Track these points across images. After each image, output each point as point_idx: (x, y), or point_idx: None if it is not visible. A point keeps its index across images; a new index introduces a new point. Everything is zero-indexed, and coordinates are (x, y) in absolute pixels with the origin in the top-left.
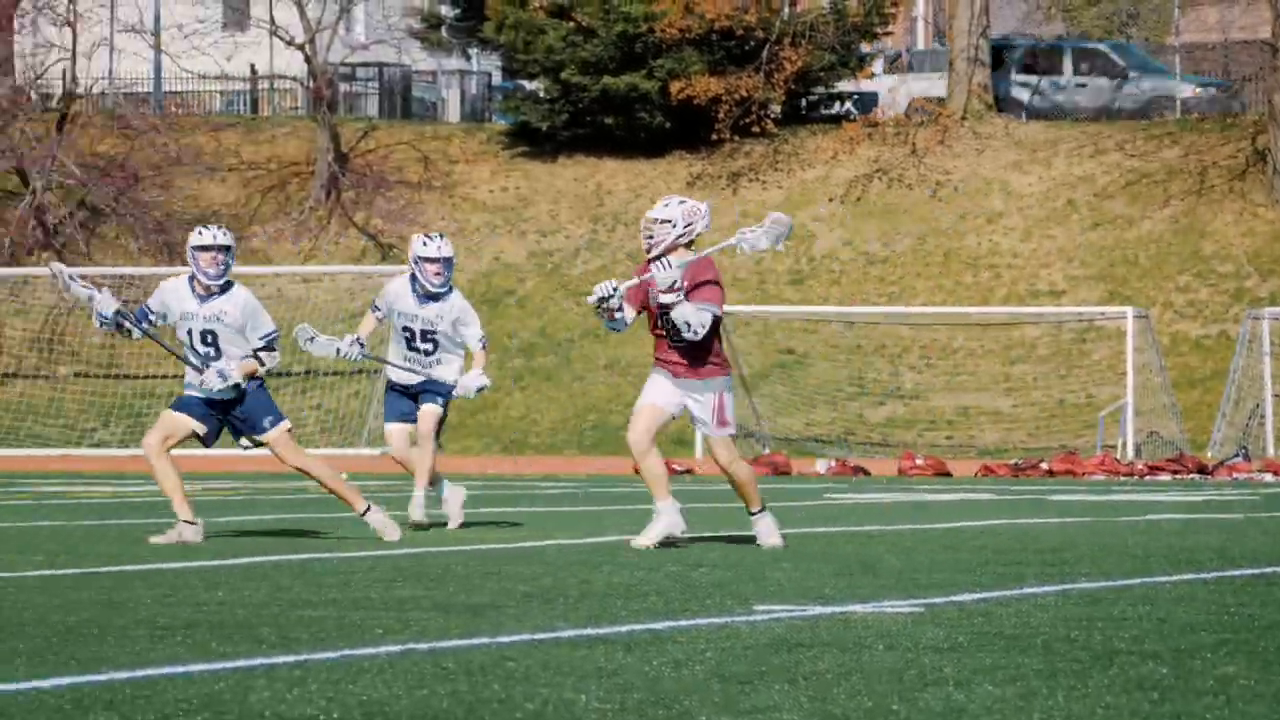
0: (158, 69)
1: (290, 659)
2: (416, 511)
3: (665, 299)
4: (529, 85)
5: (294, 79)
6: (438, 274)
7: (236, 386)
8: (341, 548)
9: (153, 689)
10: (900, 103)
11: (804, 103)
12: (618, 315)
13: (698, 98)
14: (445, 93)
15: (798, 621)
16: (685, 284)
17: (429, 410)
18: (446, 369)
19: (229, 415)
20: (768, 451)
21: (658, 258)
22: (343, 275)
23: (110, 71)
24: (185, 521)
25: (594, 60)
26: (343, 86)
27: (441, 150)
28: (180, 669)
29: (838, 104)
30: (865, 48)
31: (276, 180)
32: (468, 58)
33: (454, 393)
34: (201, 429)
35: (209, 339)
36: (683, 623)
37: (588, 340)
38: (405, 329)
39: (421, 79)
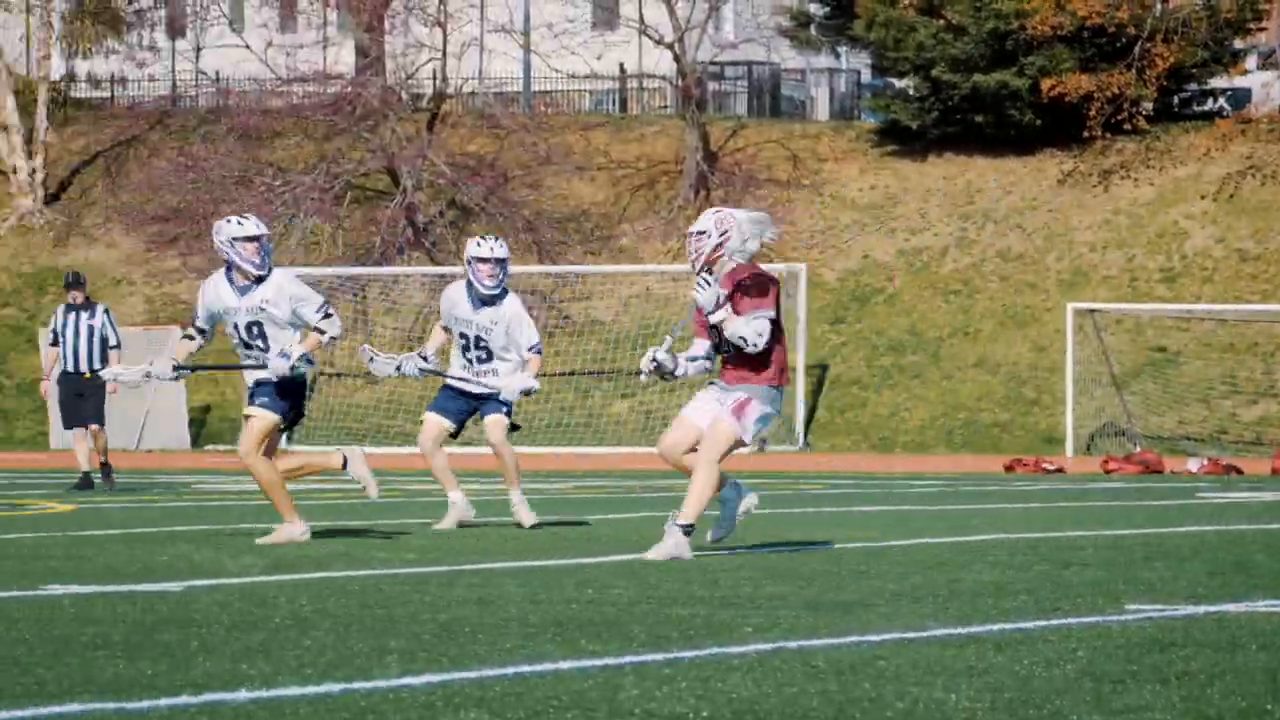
0: (527, 68)
1: (659, 657)
2: (524, 514)
3: (715, 318)
4: (898, 83)
5: (663, 78)
6: (491, 275)
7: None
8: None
9: (523, 686)
10: (1274, 98)
11: (1176, 99)
12: (682, 368)
13: (1069, 95)
14: (814, 91)
15: (1170, 621)
16: (725, 293)
17: (495, 421)
18: (502, 377)
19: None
20: (1139, 449)
21: (700, 270)
22: None
23: (480, 71)
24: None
25: (964, 58)
26: (711, 85)
27: (810, 148)
28: (550, 666)
29: (1210, 100)
30: (1238, 43)
31: (645, 179)
32: (837, 56)
33: (500, 395)
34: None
35: (254, 330)
36: (1054, 621)
37: (957, 338)
38: (461, 335)
39: (790, 77)
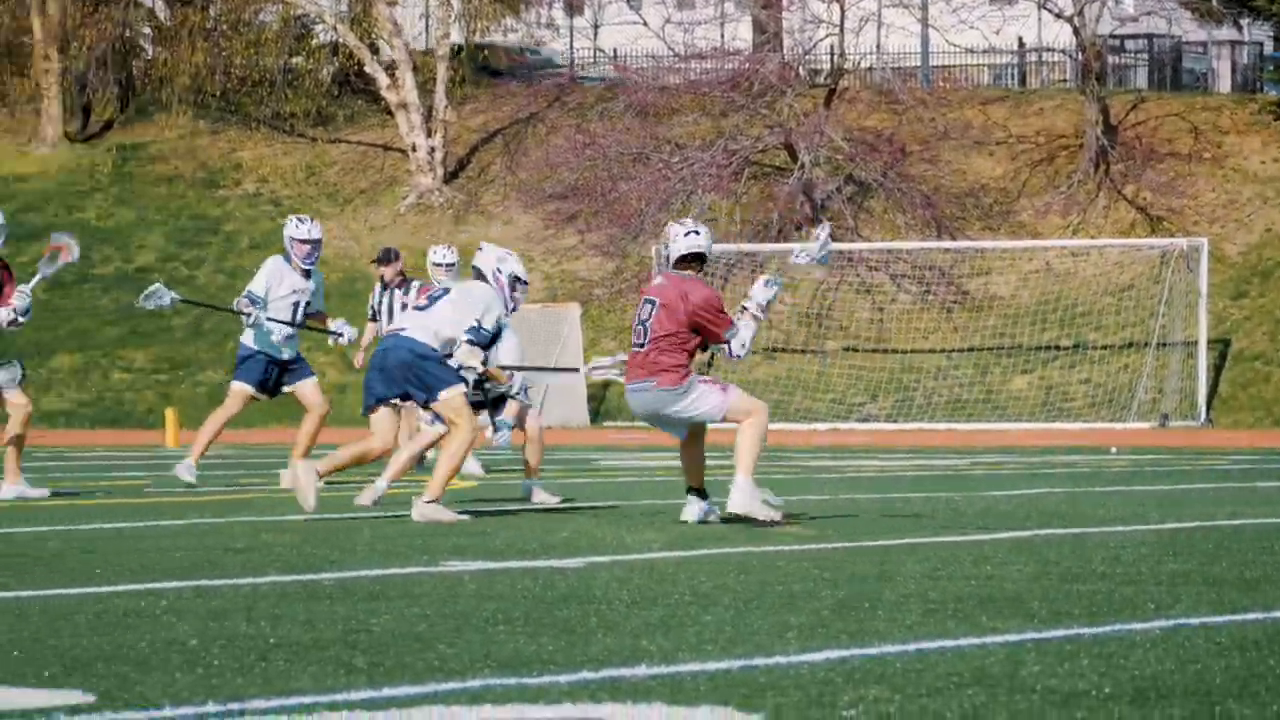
0: (925, 43)
1: (1061, 633)
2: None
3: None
4: None
5: (1062, 51)
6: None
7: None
8: (1109, 521)
9: (923, 662)
10: None
11: None
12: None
13: None
14: (1215, 63)
15: None
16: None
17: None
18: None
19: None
20: None
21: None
22: (1111, 249)
23: (877, 46)
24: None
25: None
26: (1112, 58)
27: (1211, 121)
28: (950, 643)
29: None
30: None
31: (1044, 154)
32: (1239, 27)
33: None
34: None
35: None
36: None
37: None
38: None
39: (1191, 49)
